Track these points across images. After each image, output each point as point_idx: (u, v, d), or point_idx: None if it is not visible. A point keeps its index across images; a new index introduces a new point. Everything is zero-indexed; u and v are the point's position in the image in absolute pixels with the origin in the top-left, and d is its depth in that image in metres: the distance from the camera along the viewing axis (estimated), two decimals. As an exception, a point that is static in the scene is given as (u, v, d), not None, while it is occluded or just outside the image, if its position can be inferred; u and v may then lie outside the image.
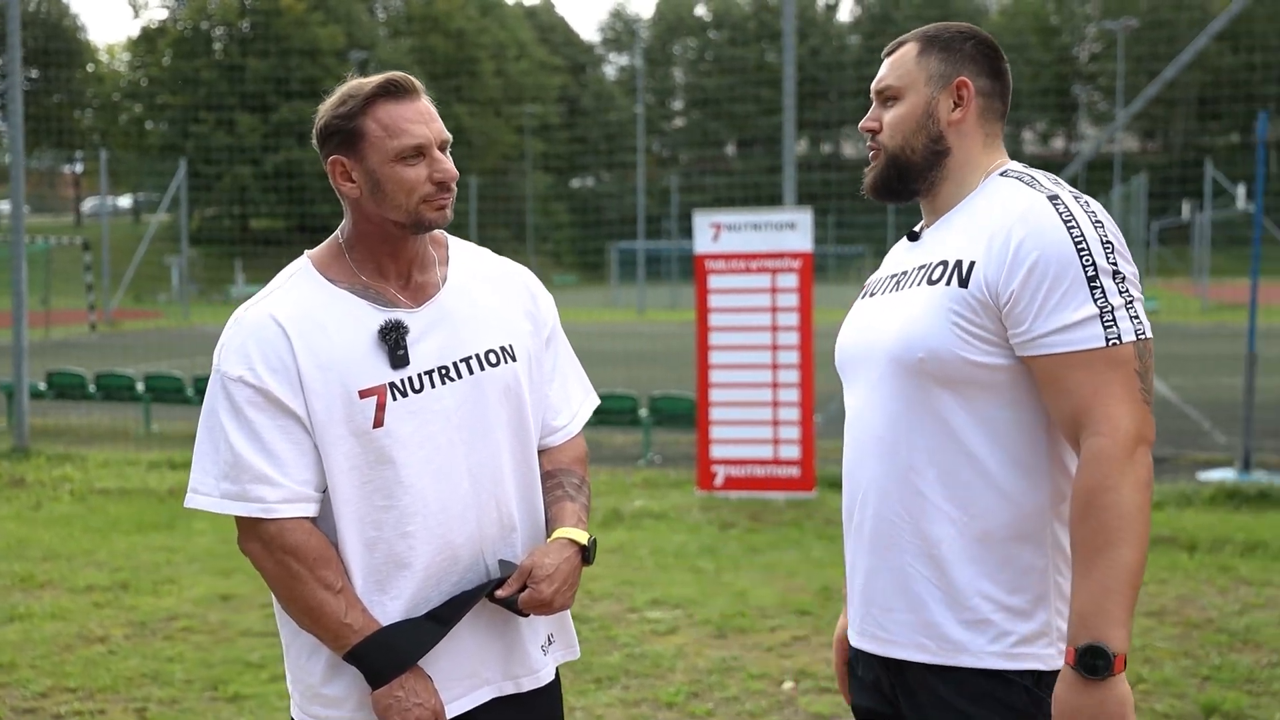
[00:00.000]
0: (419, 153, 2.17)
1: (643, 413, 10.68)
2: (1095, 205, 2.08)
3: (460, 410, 2.21)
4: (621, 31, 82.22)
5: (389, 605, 2.19)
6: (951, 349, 2.06)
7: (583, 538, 2.26)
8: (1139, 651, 5.26)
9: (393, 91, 2.17)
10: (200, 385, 12.10)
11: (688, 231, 29.19)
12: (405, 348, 2.17)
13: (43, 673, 5.14)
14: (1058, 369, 2.00)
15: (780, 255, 8.65)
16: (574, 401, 2.44)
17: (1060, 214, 2.03)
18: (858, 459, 2.22)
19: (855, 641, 2.27)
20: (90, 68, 62.58)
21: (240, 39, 55.68)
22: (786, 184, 9.40)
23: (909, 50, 2.22)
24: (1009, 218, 2.06)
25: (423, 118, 2.18)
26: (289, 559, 2.13)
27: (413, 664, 2.17)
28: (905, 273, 2.21)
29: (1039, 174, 2.17)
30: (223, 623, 5.86)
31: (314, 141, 2.25)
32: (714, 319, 8.82)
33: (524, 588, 2.20)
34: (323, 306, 2.19)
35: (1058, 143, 64.12)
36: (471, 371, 2.23)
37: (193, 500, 2.18)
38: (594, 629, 5.69)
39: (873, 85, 2.26)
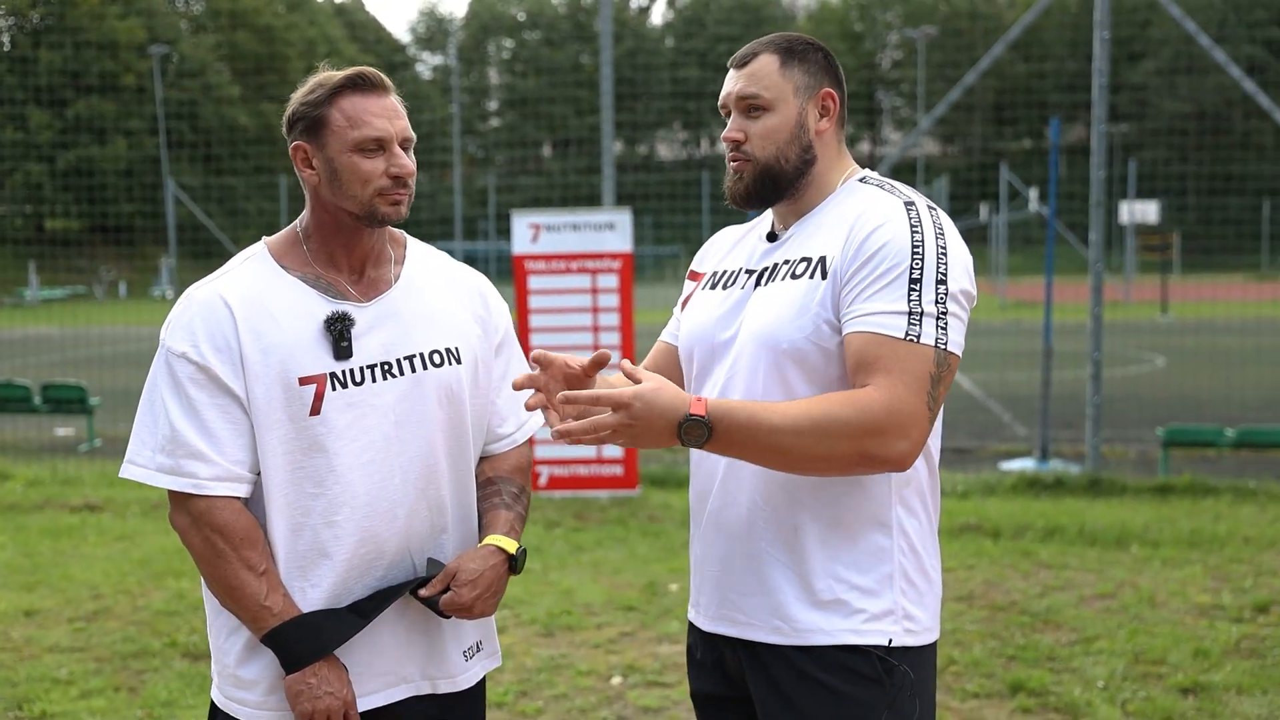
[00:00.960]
0: (379, 146, 2.21)
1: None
2: (945, 220, 2.20)
3: (398, 407, 2.24)
4: (434, 30, 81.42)
5: (310, 592, 2.22)
6: (812, 339, 2.17)
7: (511, 546, 2.29)
8: (950, 635, 5.49)
9: (360, 85, 2.22)
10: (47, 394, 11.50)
11: (505, 232, 29.11)
12: (349, 340, 2.21)
13: None
14: (863, 344, 2.11)
15: (600, 256, 8.71)
16: (522, 411, 2.44)
17: (910, 218, 2.17)
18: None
19: (706, 625, 2.32)
20: None
21: (31, 30, 53.15)
22: (605, 184, 9.47)
23: (768, 62, 2.27)
24: (866, 217, 2.19)
25: (387, 113, 2.23)
26: (215, 537, 2.18)
27: (328, 653, 2.19)
28: (767, 269, 2.28)
29: (896, 183, 2.30)
30: (26, 639, 5.60)
31: (283, 128, 2.29)
32: (534, 320, 8.83)
33: (447, 589, 2.23)
34: (273, 292, 2.23)
35: (864, 146, 66.13)
36: (414, 370, 2.26)
37: (127, 470, 2.22)
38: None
39: (730, 96, 2.30)
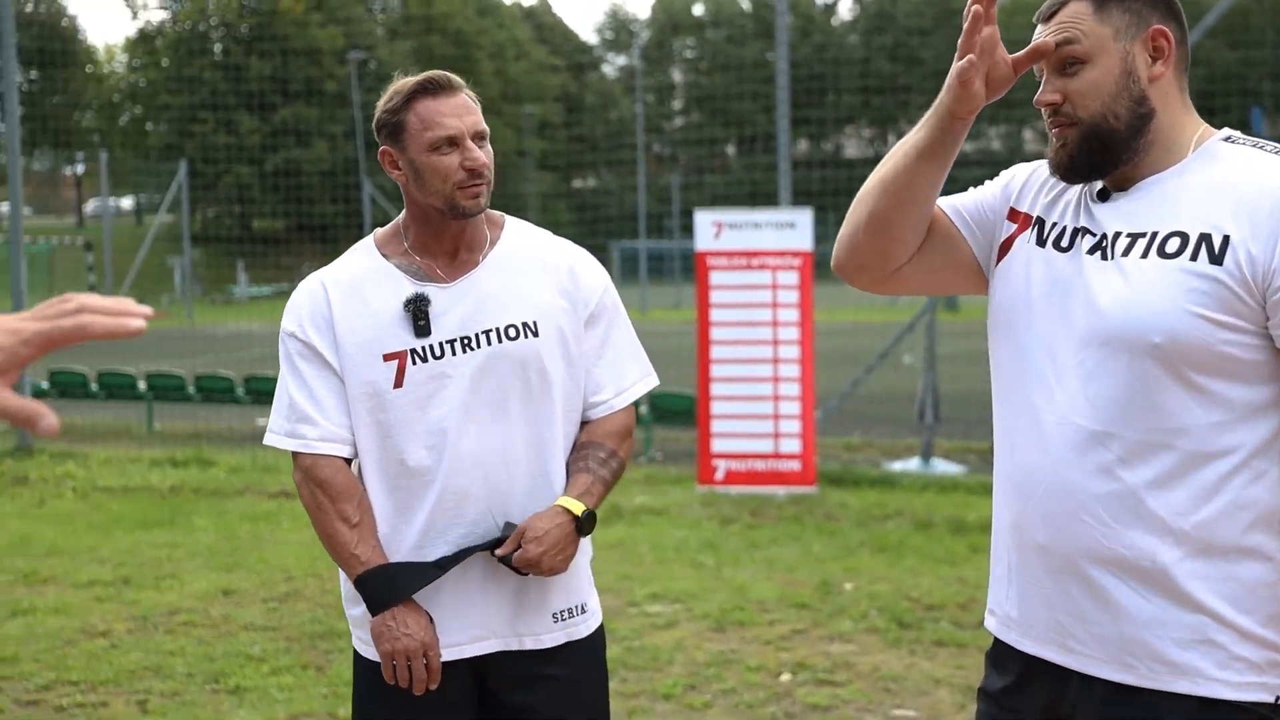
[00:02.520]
0: (452, 143, 2.36)
1: (643, 409, 10.70)
2: None
3: (475, 377, 2.40)
4: (619, 31, 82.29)
5: (401, 545, 2.43)
6: (1196, 335, 1.81)
7: (578, 508, 2.40)
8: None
9: (430, 88, 2.38)
10: (200, 384, 12.14)
11: (689, 230, 29.23)
12: (427, 318, 2.39)
13: (46, 666, 5.17)
14: None
15: (781, 253, 8.69)
16: (624, 379, 2.56)
17: None
18: (1042, 449, 1.94)
19: (1028, 647, 2.01)
20: (89, 69, 62.61)
21: (240, 39, 55.69)
22: (781, 182, 9.44)
23: (1080, 9, 1.92)
24: (1254, 183, 1.84)
25: (457, 111, 2.37)
26: (317, 490, 2.41)
27: (405, 598, 2.37)
28: (1111, 236, 1.92)
29: (1269, 144, 1.93)
30: (224, 617, 5.89)
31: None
32: (715, 314, 8.86)
33: (518, 547, 2.36)
34: (368, 276, 2.46)
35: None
36: (489, 343, 2.41)
37: (266, 438, 2.49)
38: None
39: (1037, 50, 1.94)
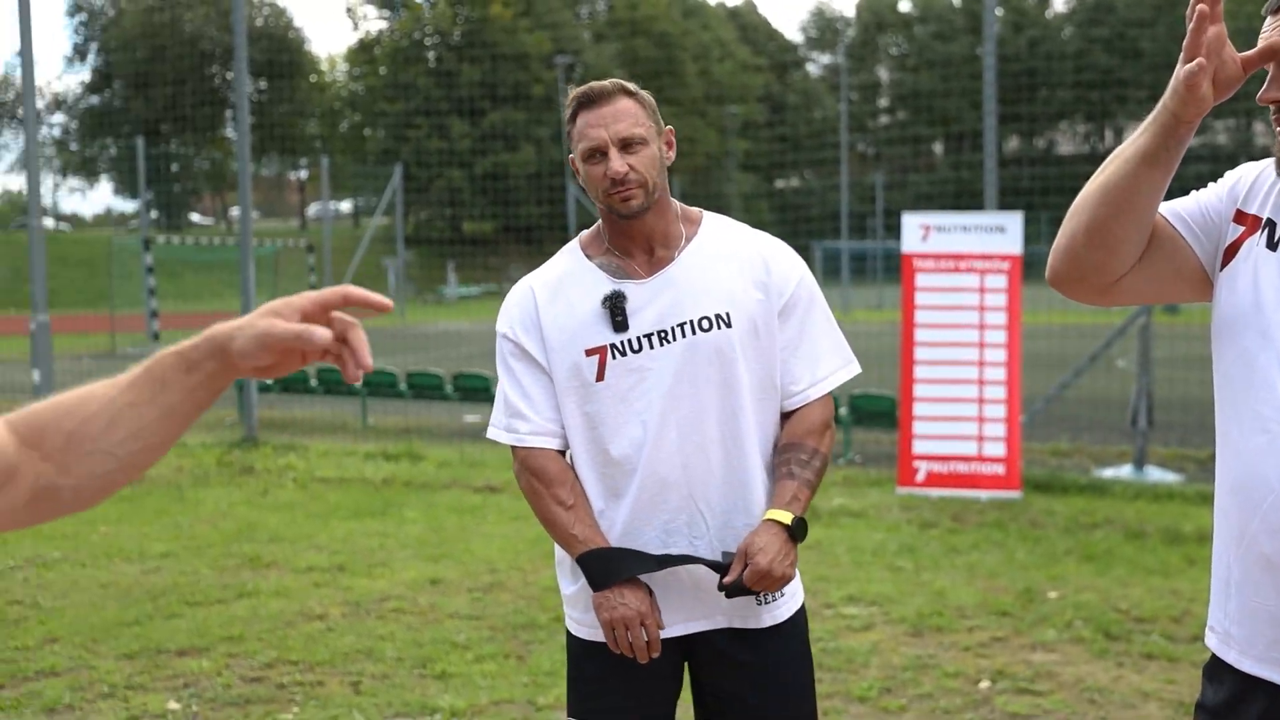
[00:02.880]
0: (598, 153, 2.45)
1: (843, 411, 10.62)
2: None
3: (673, 368, 2.49)
4: (824, 29, 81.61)
5: (612, 529, 2.55)
6: None
7: (786, 518, 2.44)
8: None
9: (585, 101, 2.48)
10: (412, 381, 12.59)
11: (892, 230, 28.78)
12: (624, 314, 2.49)
13: (268, 645, 5.47)
14: None
15: (990, 256, 8.53)
16: (820, 368, 2.59)
17: None
18: (1273, 458, 1.84)
19: (1246, 666, 1.91)
20: (313, 78, 65.53)
21: (453, 46, 57.42)
22: (988, 180, 9.24)
23: None
24: None
25: (604, 121, 2.44)
26: (533, 479, 2.55)
27: (622, 578, 2.46)
28: None
29: None
30: (431, 605, 6.11)
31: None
32: (920, 316, 8.75)
33: (744, 568, 2.40)
34: (571, 277, 2.57)
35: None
36: (685, 335, 2.49)
37: (489, 432, 2.65)
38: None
39: (1269, 46, 1.83)
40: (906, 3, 76.36)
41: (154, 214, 43.78)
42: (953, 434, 8.61)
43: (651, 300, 2.50)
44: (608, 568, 2.46)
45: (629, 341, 2.49)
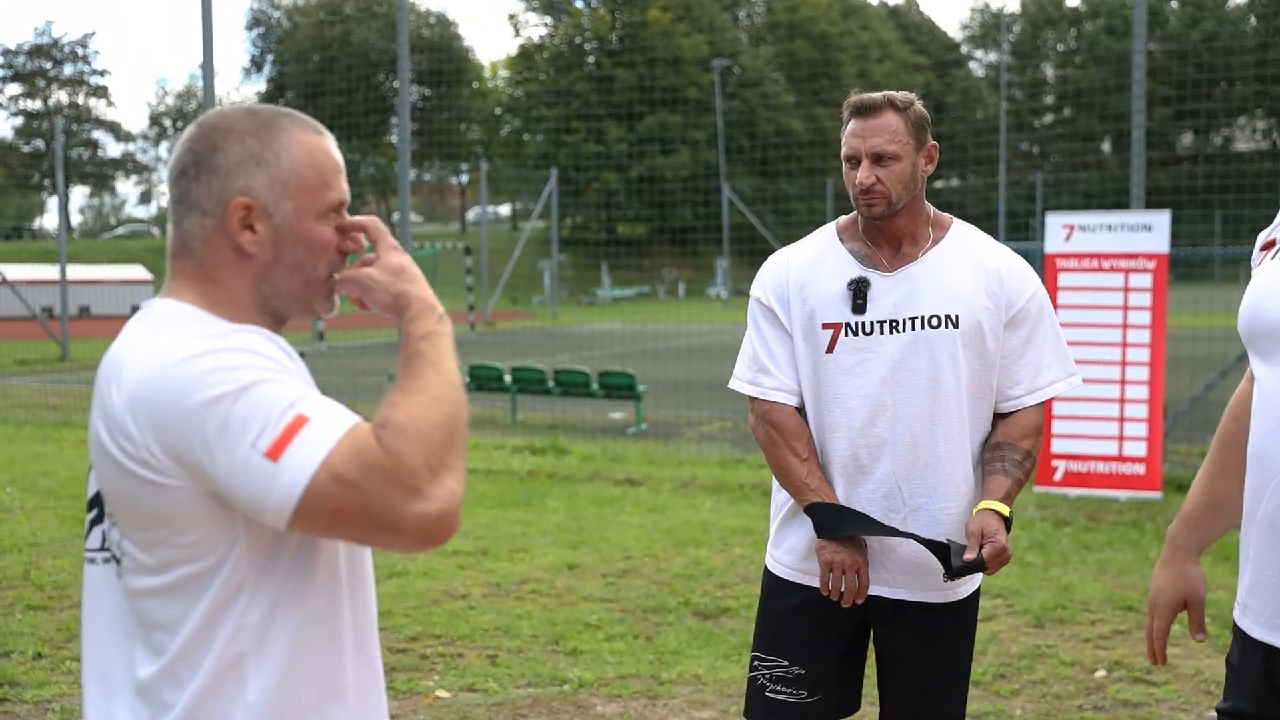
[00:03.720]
0: (853, 161, 2.76)
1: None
2: None
3: (896, 356, 2.75)
4: (988, 26, 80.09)
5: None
6: None
7: (1005, 510, 2.68)
8: None
9: (856, 110, 2.77)
10: (559, 378, 12.96)
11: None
12: (865, 298, 2.76)
13: (414, 621, 5.82)
14: None
15: (1135, 256, 8.48)
16: (1039, 377, 2.83)
17: None
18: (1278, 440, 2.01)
19: (1256, 633, 2.08)
20: (475, 85, 67.07)
21: (610, 51, 58.14)
22: (1134, 179, 9.13)
23: None
24: None
25: (865, 133, 2.74)
26: (772, 430, 2.83)
27: (842, 534, 2.73)
28: None
29: None
30: (567, 588, 6.40)
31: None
32: (1062, 315, 8.71)
33: (980, 548, 2.62)
34: (824, 256, 2.86)
35: None
36: (914, 328, 2.75)
37: (731, 383, 2.92)
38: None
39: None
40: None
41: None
42: (1093, 434, 8.56)
43: (890, 291, 2.77)
44: (836, 520, 2.73)
45: (863, 324, 2.76)
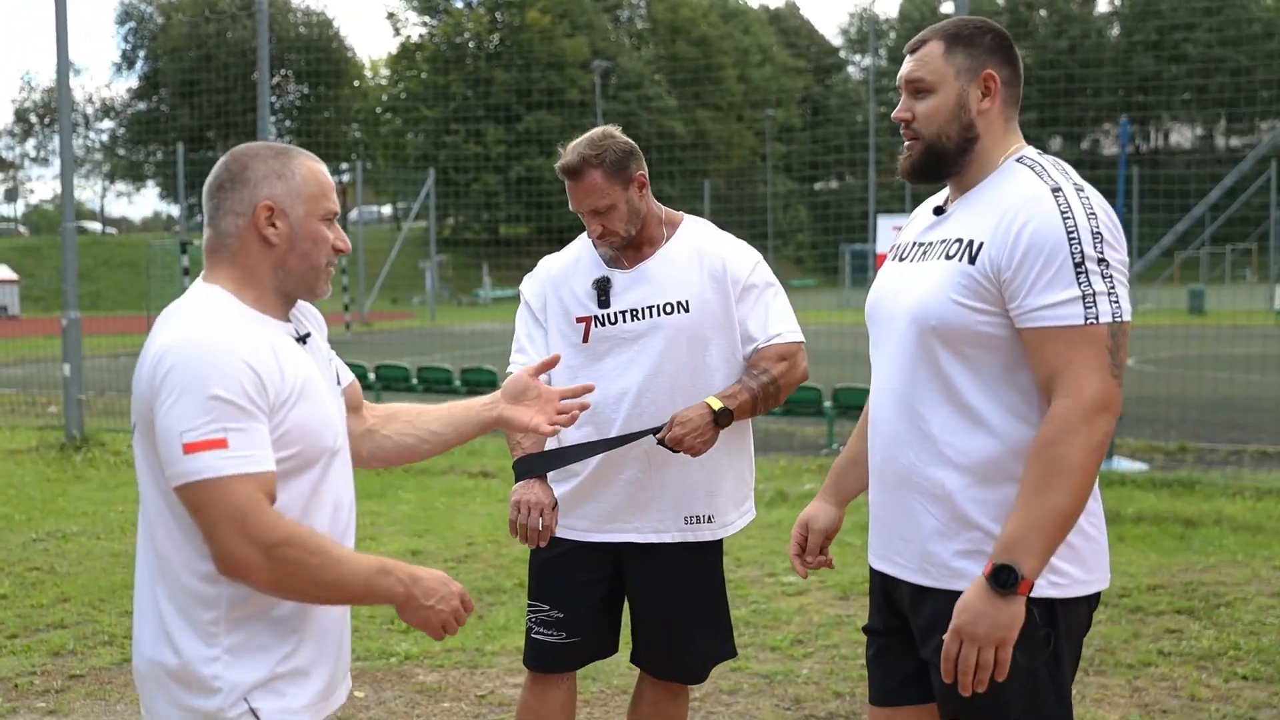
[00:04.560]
0: (585, 215, 3.27)
1: (827, 404, 11.11)
2: (1093, 198, 2.32)
3: (639, 340, 3.21)
4: (864, 33, 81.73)
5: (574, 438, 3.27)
6: (958, 318, 2.34)
7: (716, 404, 3.13)
8: (1246, 625, 5.47)
9: (564, 173, 3.23)
10: (422, 375, 13.19)
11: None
12: (608, 294, 3.24)
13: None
14: (1040, 339, 2.26)
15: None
16: (770, 328, 3.26)
17: (1059, 205, 2.28)
18: (878, 407, 2.53)
19: (873, 563, 2.59)
20: (356, 83, 66.51)
21: (490, 53, 58.15)
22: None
23: (935, 47, 2.44)
24: (1016, 204, 2.31)
25: (578, 196, 3.21)
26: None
27: (535, 475, 3.18)
28: (931, 244, 2.48)
29: (1049, 163, 2.40)
30: (409, 573, 6.67)
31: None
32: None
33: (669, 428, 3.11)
34: (577, 260, 3.34)
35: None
36: (652, 316, 3.21)
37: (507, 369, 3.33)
38: (732, 588, 6.24)
39: (901, 78, 2.47)
40: (949, 4, 76.25)
41: (199, 218, 44.84)
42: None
43: (630, 286, 3.24)
44: (530, 467, 3.17)
45: (608, 315, 3.24)
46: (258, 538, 1.99)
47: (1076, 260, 2.23)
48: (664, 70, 62.38)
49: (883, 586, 2.62)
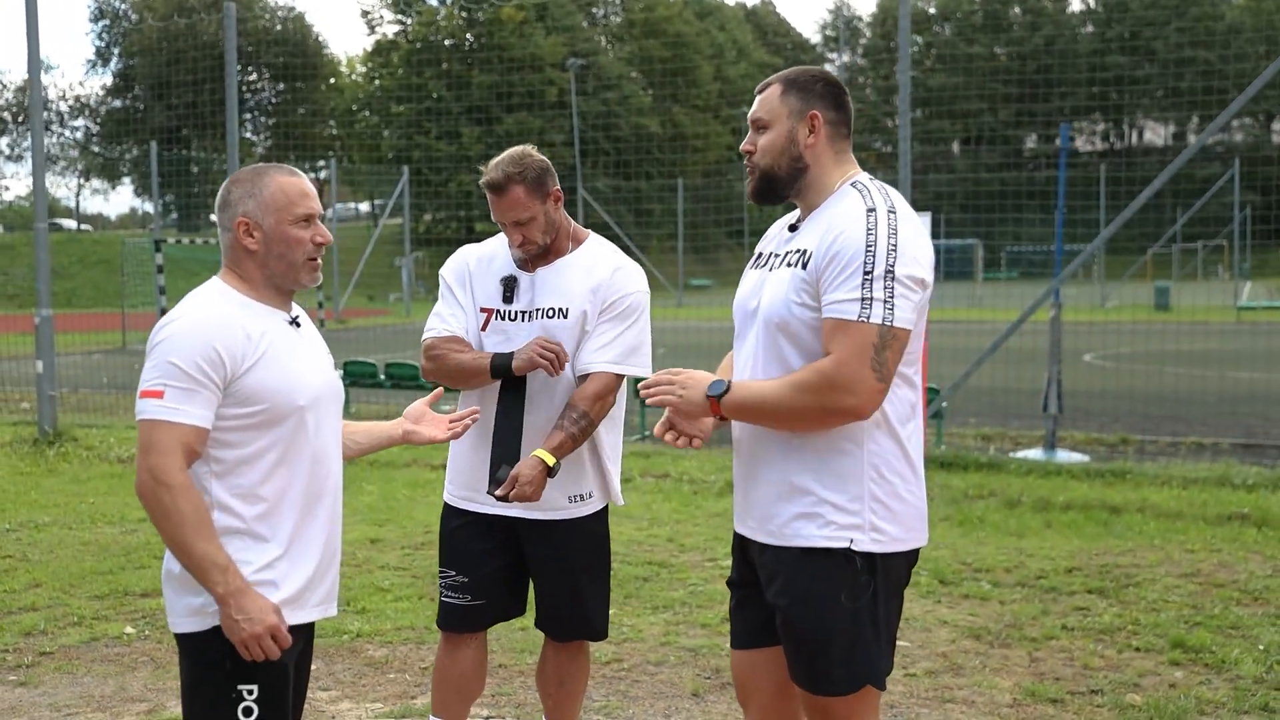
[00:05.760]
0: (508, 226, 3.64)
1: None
2: (901, 220, 2.75)
3: (523, 338, 3.59)
4: (841, 29, 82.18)
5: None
6: (795, 314, 2.80)
7: (550, 460, 3.46)
8: (1148, 603, 5.85)
9: (489, 188, 3.62)
10: (390, 371, 13.50)
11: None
12: (513, 291, 3.63)
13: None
14: (828, 327, 2.73)
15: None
16: (607, 354, 3.57)
17: (868, 223, 2.73)
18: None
19: (736, 526, 3.04)
20: (332, 80, 66.53)
21: (465, 53, 58.27)
22: (902, 183, 10.01)
23: (774, 90, 2.91)
24: (837, 220, 2.78)
25: (501, 210, 3.57)
26: (428, 362, 3.68)
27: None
28: (783, 254, 2.92)
29: (876, 188, 2.83)
30: (367, 559, 7.00)
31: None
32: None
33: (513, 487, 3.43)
34: (493, 256, 3.72)
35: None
36: (540, 317, 3.60)
37: (422, 339, 3.70)
38: (672, 572, 6.59)
39: (749, 117, 2.95)
40: (926, 2, 76.71)
41: (174, 215, 44.89)
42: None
43: (528, 289, 3.63)
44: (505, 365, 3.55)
45: (508, 311, 3.63)
46: (152, 469, 2.57)
47: (866, 270, 2.67)
48: (640, 67, 62.62)
49: (741, 546, 3.05)
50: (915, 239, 2.74)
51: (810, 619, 2.80)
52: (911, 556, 2.89)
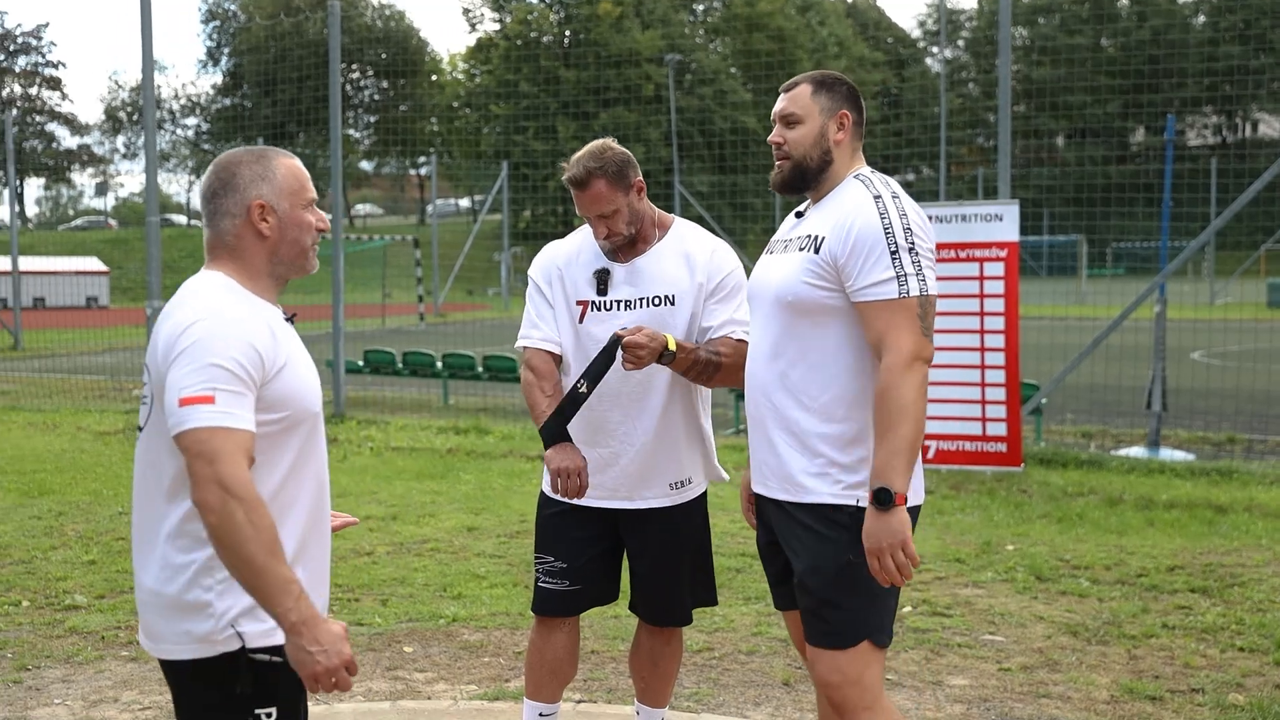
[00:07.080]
0: (593, 219, 3.72)
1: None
2: (905, 203, 3.03)
3: (629, 324, 3.60)
4: (942, 23, 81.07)
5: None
6: (808, 294, 3.06)
7: (672, 343, 3.52)
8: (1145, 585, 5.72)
9: (571, 183, 3.66)
10: (488, 364, 13.67)
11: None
12: (606, 284, 3.69)
13: (319, 573, 6.51)
14: (868, 310, 2.98)
15: (988, 245, 9.16)
16: (730, 320, 3.67)
17: (878, 209, 3.01)
18: (753, 360, 3.22)
19: (754, 488, 3.26)
20: (434, 78, 67.35)
21: (562, 48, 58.57)
22: (1001, 177, 9.89)
23: (805, 89, 3.17)
24: (849, 209, 3.05)
25: (585, 204, 3.64)
26: (528, 372, 3.72)
27: (557, 441, 3.56)
28: (792, 240, 3.20)
29: (878, 179, 3.11)
30: (464, 546, 7.12)
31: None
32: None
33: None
34: (580, 250, 3.78)
35: None
36: (643, 306, 3.67)
37: (516, 343, 3.79)
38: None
39: (776, 112, 3.19)
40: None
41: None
42: (958, 415, 9.25)
43: (625, 279, 3.69)
44: (553, 433, 3.56)
45: (605, 303, 3.68)
46: (223, 481, 2.27)
47: (892, 250, 2.94)
48: (739, 63, 62.33)
49: (760, 505, 3.27)
50: (919, 216, 3.03)
51: (817, 573, 3.01)
52: (913, 513, 3.05)
